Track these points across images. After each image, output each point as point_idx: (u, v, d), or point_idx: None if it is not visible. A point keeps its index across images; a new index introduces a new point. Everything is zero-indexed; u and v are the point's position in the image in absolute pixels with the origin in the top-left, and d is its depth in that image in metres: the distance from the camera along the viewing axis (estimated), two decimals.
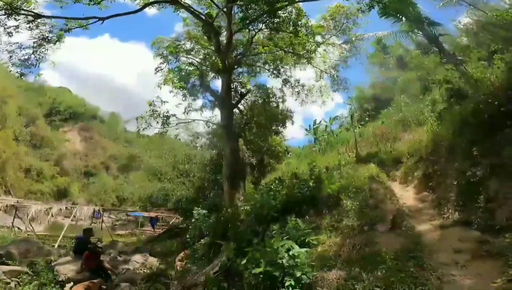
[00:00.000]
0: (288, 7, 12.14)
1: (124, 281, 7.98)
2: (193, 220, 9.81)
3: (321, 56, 15.28)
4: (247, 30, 13.59)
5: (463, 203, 5.43)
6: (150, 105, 14.13)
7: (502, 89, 6.32)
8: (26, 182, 33.78)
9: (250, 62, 15.61)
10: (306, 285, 4.09)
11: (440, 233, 5.15)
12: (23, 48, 10.11)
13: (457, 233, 4.87)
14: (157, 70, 14.71)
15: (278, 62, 15.25)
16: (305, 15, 12.80)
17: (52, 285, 7.19)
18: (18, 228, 18.19)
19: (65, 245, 12.73)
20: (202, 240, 8.41)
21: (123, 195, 35.08)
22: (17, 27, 9.51)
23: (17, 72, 10.36)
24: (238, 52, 14.76)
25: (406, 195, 7.65)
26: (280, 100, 16.74)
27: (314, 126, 21.23)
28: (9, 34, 9.47)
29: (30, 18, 9.67)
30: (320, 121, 21.66)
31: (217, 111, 15.25)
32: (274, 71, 15.66)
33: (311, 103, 16.93)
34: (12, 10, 9.19)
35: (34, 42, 10.02)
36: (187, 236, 9.90)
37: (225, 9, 12.60)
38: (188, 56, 15.20)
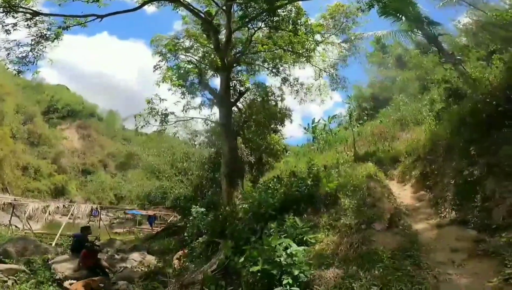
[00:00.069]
0: (287, 5, 12.11)
1: (122, 279, 7.98)
2: (191, 218, 9.82)
3: (320, 55, 15.24)
4: (247, 28, 13.54)
5: (460, 202, 5.45)
6: (148, 103, 14.08)
7: (501, 89, 6.34)
8: (23, 180, 33.68)
9: (249, 60, 15.57)
10: (304, 283, 4.10)
11: (437, 232, 5.17)
12: (21, 45, 10.04)
13: (453, 232, 4.89)
14: (156, 68, 14.65)
15: (277, 61, 15.21)
16: (305, 14, 12.77)
17: (49, 283, 7.18)
18: (16, 226, 18.16)
19: (62, 243, 12.72)
20: (200, 238, 8.42)
21: (121, 193, 35.02)
22: (15, 24, 9.44)
23: (14, 69, 10.26)
24: (237, 50, 14.72)
25: (403, 194, 7.67)
26: (279, 98, 16.74)
27: (313, 125, 21.19)
28: (7, 31, 9.40)
29: (28, 15, 9.61)
30: (319, 120, 21.62)
31: (215, 109, 15.23)
32: (273, 70, 15.64)
33: (310, 102, 16.93)
34: (11, 8, 9.13)
35: (32, 40, 9.97)
36: (185, 234, 9.90)
37: (224, 7, 12.55)
38: (187, 54, 15.13)
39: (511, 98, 5.77)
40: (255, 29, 13.44)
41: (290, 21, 12.57)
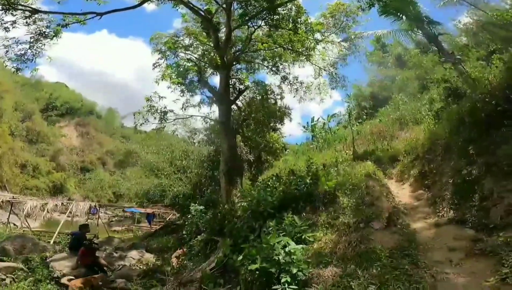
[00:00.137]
0: (287, 4, 12.08)
1: (120, 277, 8.00)
2: (189, 216, 9.81)
3: (320, 54, 15.22)
4: (246, 26, 13.51)
5: (458, 201, 5.46)
6: (147, 100, 14.06)
7: (500, 89, 6.34)
8: (21, 177, 33.60)
9: (248, 58, 15.55)
10: (302, 281, 4.11)
11: (435, 231, 5.18)
12: (20, 43, 9.99)
13: (451, 231, 4.89)
14: (155, 65, 14.62)
15: (277, 59, 15.19)
16: (305, 12, 12.72)
17: (48, 281, 7.17)
18: (14, 224, 18.14)
19: (61, 241, 12.71)
20: (198, 236, 8.41)
21: (119, 191, 35.00)
22: (14, 22, 9.39)
23: (13, 67, 10.21)
24: (236, 49, 14.69)
25: (402, 193, 7.68)
26: (278, 97, 16.74)
27: (312, 124, 21.19)
28: (6, 29, 9.34)
29: (27, 13, 9.55)
30: (318, 119, 21.61)
31: (215, 107, 15.26)
32: (273, 68, 15.62)
33: (309, 100, 16.91)
34: (10, 5, 9.07)
35: (31, 38, 9.92)
36: (184, 232, 9.90)
37: (224, 5, 12.51)
38: (187, 52, 15.08)
39: (511, 98, 5.76)
40: (255, 27, 13.40)
41: (290, 20, 12.53)
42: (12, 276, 7.28)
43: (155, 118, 14.17)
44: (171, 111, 14.48)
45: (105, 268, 8.32)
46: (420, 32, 12.83)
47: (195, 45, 15.26)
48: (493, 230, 4.30)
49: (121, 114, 56.56)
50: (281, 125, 18.56)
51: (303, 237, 5.31)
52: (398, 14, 12.41)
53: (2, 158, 30.48)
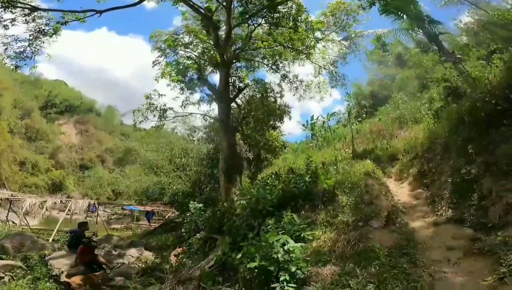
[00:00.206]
0: (288, 2, 12.04)
1: (119, 275, 8.00)
2: (188, 214, 9.81)
3: (320, 52, 15.19)
4: (246, 24, 13.45)
5: (457, 200, 5.47)
6: (147, 98, 14.01)
7: (500, 88, 6.34)
8: (20, 175, 33.58)
9: (248, 56, 15.50)
10: (301, 280, 4.12)
11: (433, 230, 5.19)
12: (19, 40, 9.94)
13: (450, 231, 4.90)
14: (155, 63, 14.57)
15: (277, 57, 15.14)
16: (305, 11, 12.71)
17: (46, 279, 7.16)
18: (13, 222, 18.15)
19: (60, 239, 12.70)
20: (197, 234, 8.41)
21: (118, 188, 34.94)
22: (13, 20, 9.34)
23: (12, 64, 10.16)
24: (236, 47, 14.65)
25: (401, 191, 7.69)
26: (278, 95, 16.67)
27: (312, 122, 21.18)
28: (5, 27, 9.30)
29: (26, 11, 9.50)
30: (318, 117, 21.59)
31: (214, 105, 15.17)
32: (273, 66, 15.58)
33: (309, 99, 16.83)
34: (9, 3, 9.02)
35: (30, 35, 9.86)
36: (183, 230, 9.91)
37: (224, 3, 12.44)
38: (186, 49, 15.02)
39: (510, 97, 5.76)
40: (255, 25, 13.35)
41: (291, 18, 12.50)
42: (11, 274, 7.26)
43: (154, 115, 14.13)
44: (171, 108, 14.45)
45: (104, 266, 8.30)
46: (421, 31, 12.81)
47: (195, 43, 15.20)
48: (491, 229, 4.30)
49: (121, 112, 56.46)
50: (281, 123, 18.54)
51: (302, 235, 5.32)
52: (399, 13, 12.38)
53: (1, 156, 30.45)
